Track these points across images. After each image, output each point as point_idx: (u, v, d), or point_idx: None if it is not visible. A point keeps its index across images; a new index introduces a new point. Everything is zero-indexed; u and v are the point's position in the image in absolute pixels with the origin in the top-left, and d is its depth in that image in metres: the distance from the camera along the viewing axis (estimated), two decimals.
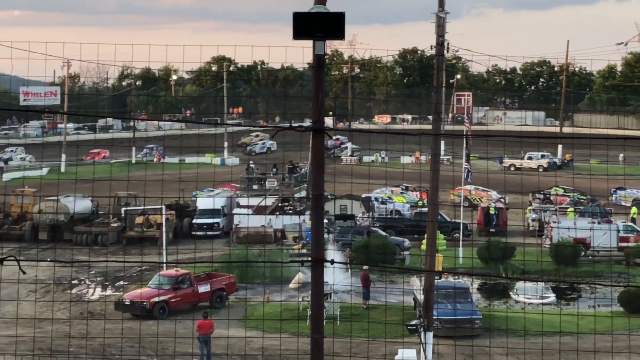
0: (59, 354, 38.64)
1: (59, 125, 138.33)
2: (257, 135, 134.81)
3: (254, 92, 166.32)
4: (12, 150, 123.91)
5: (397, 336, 38.70)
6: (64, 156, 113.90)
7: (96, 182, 66.31)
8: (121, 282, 55.79)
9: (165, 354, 39.12)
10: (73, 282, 55.21)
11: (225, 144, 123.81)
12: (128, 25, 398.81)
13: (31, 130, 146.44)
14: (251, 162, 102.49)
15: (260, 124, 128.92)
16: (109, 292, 53.66)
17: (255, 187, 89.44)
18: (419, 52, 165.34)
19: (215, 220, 69.64)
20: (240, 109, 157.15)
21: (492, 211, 69.98)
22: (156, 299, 47.15)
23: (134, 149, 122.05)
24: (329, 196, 62.20)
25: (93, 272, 57.44)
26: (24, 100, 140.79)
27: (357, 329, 36.84)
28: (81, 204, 69.47)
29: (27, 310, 43.94)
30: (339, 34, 15.91)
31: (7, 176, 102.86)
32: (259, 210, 70.97)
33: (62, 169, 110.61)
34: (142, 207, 66.72)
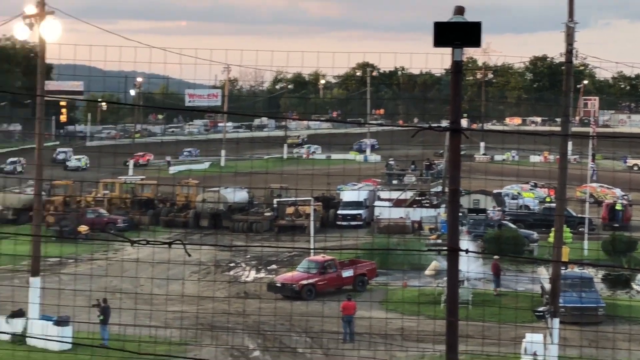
0: (219, 329, 39.22)
1: (220, 124, 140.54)
2: (298, 137, 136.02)
3: (395, 95, 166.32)
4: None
5: (525, 321, 38.40)
6: (223, 152, 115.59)
7: (252, 175, 67.22)
8: (273, 266, 56.29)
9: (312, 332, 39.38)
10: (231, 264, 55.93)
11: (368, 142, 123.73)
12: (282, 34, 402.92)
13: (195, 128, 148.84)
14: (391, 159, 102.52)
15: (400, 124, 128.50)
16: (262, 274, 54.17)
17: (394, 182, 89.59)
18: (548, 59, 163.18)
19: (358, 211, 69.73)
20: (382, 111, 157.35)
21: (618, 207, 68.66)
22: (304, 282, 47.45)
23: (285, 146, 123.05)
24: (463, 191, 61.77)
25: (248, 256, 58.04)
26: (189, 101, 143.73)
27: (488, 314, 36.46)
28: (239, 195, 70.40)
29: (190, 289, 44.78)
30: (476, 42, 15.75)
31: (173, 169, 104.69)
32: (398, 203, 70.98)
33: (222, 163, 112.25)
34: (292, 199, 67.21)
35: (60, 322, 36.93)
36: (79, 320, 36.19)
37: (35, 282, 39.98)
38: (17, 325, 38.25)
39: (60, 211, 66.69)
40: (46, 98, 78.26)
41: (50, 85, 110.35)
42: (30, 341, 36.87)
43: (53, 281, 44.06)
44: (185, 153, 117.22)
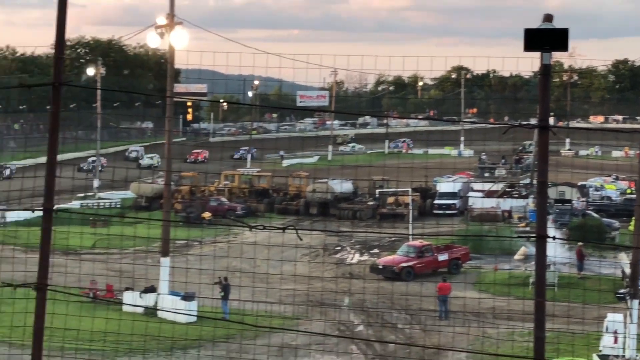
0: (327, 306, 39.42)
1: (327, 122, 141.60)
2: (347, 135, 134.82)
3: (487, 95, 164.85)
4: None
5: (607, 302, 37.63)
6: (330, 147, 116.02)
7: (357, 168, 67.35)
8: (375, 250, 56.35)
9: (411, 310, 39.36)
10: (337, 248, 56.18)
11: (462, 139, 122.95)
12: (384, 41, 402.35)
13: (305, 126, 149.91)
14: (483, 153, 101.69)
15: (491, 121, 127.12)
16: (365, 257, 54.28)
17: (486, 174, 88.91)
18: (629, 62, 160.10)
19: (453, 201, 69.42)
20: (475, 110, 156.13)
21: None
22: (404, 264, 47.46)
23: (387, 141, 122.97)
24: (550, 183, 60.97)
25: (353, 240, 58.17)
26: (300, 101, 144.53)
27: (572, 295, 35.92)
28: (344, 186, 70.61)
29: (301, 270, 45.04)
30: (564, 47, 15.50)
31: (286, 162, 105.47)
32: (489, 194, 70.48)
33: (329, 157, 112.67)
34: (393, 190, 67.20)
35: (187, 297, 37.57)
36: (203, 296, 36.72)
37: (165, 261, 40.74)
38: (149, 299, 39.02)
39: (187, 199, 67.75)
40: (174, 99, 79.50)
41: (178, 87, 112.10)
42: (160, 314, 37.54)
43: (181, 261, 44.73)
44: (241, 151, 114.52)
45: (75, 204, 63.30)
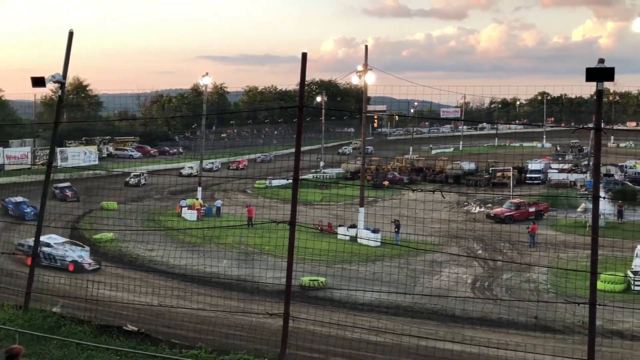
0: (459, 238, 38.89)
1: (458, 127, 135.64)
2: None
3: (560, 109, 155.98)
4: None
5: (637, 238, 34.34)
6: (461, 142, 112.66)
7: (478, 154, 65.41)
8: (489, 204, 54.79)
9: (511, 241, 38.31)
10: (465, 203, 55.07)
11: (544, 137, 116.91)
12: (496, 77, 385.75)
13: (445, 129, 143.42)
14: (557, 145, 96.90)
15: (562, 126, 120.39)
16: (483, 209, 52.99)
17: (560, 158, 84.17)
18: None
19: (539, 175, 66.07)
20: (552, 119, 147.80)
21: None
22: (507, 214, 45.85)
23: (496, 138, 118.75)
24: (601, 164, 57.68)
25: (475, 199, 56.54)
26: (442, 115, 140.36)
27: (615, 234, 33.77)
28: (470, 165, 68.68)
29: (443, 216, 44.39)
30: (611, 79, 14.95)
31: (434, 151, 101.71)
32: (562, 171, 67.39)
33: (460, 148, 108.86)
34: (501, 168, 65.35)
35: (375, 231, 38.03)
36: (385, 230, 37.17)
37: (362, 210, 41.40)
38: (352, 232, 39.77)
39: (374, 173, 67.95)
40: (367, 114, 79.87)
41: (370, 107, 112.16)
42: (359, 241, 38.22)
43: (371, 210, 45.37)
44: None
45: (309, 176, 64.80)
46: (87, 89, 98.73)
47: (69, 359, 14.48)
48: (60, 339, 15.18)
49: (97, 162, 71.36)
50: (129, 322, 18.55)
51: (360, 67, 40.66)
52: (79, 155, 70.99)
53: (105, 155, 79.64)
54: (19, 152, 65.92)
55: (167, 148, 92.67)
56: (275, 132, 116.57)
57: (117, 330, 17.41)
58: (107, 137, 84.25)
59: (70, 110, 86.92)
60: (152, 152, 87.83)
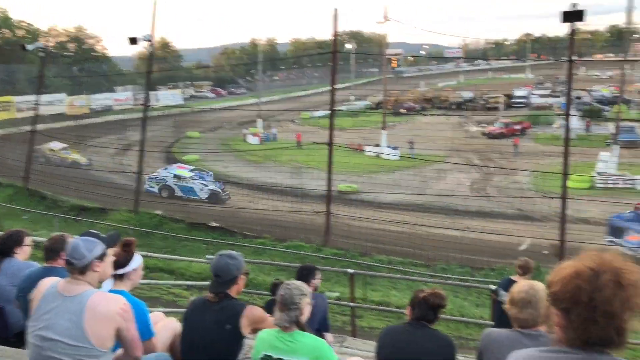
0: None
1: None
2: None
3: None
4: None
5: None
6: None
7: None
8: None
9: None
10: None
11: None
12: None
13: None
14: None
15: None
16: None
17: None
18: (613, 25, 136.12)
19: None
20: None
21: None
22: None
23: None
24: None
25: None
26: None
27: None
28: None
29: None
30: (581, 19, 14.15)
31: None
32: None
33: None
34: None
35: (394, 148, 37.08)
36: (402, 147, 36.32)
37: (384, 132, 40.30)
38: (377, 150, 37.28)
39: (393, 103, 64.35)
40: (387, 57, 75.60)
41: (388, 51, 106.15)
42: (383, 157, 37.19)
43: (392, 132, 43.67)
44: None
45: (342, 107, 62.15)
46: (170, 46, 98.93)
47: (170, 247, 15.13)
48: (162, 234, 15.87)
49: (182, 102, 71.75)
50: (213, 220, 19.19)
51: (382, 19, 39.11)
52: (167, 97, 72.29)
53: (188, 97, 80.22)
54: (123, 96, 67.83)
55: (233, 89, 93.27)
56: (315, 74, 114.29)
57: (204, 226, 18.21)
58: (188, 82, 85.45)
59: (158, 62, 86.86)
60: (222, 93, 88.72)
